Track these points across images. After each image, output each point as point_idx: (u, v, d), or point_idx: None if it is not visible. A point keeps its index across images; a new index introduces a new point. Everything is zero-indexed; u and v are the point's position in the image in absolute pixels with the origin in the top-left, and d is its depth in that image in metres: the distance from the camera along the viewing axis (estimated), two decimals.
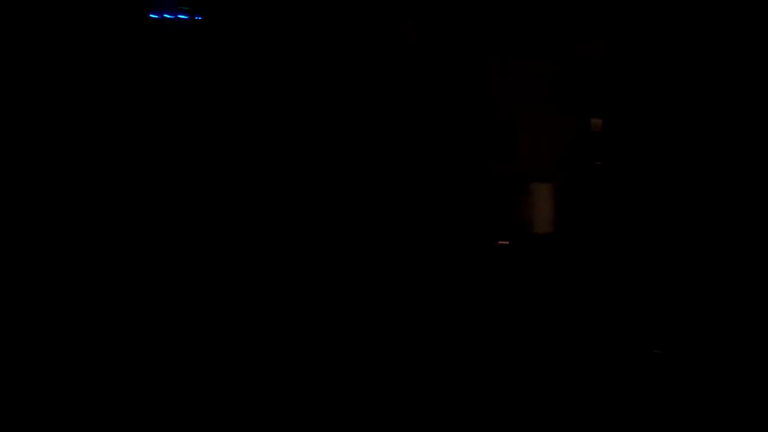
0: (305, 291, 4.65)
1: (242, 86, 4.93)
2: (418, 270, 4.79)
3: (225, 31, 4.98)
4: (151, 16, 4.97)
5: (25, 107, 4.74)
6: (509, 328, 4.67)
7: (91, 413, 3.81)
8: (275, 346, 4.39)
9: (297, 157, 4.88)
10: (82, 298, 4.45)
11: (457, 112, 4.96)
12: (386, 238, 4.82)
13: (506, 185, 4.91)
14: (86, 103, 4.80)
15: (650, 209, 4.87)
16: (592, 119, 4.96)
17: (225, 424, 3.81)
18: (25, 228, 4.60)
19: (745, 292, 4.64)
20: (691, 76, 4.91)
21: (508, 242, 4.88)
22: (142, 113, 4.84)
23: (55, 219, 4.63)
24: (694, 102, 4.89)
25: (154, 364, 4.18)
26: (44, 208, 4.64)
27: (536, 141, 4.92)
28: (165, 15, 4.98)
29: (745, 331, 4.56)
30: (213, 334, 4.38)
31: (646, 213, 4.87)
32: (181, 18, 4.99)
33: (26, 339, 4.22)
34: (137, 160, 4.79)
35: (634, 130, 4.95)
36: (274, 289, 4.62)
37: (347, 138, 4.90)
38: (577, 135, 4.97)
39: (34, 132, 4.72)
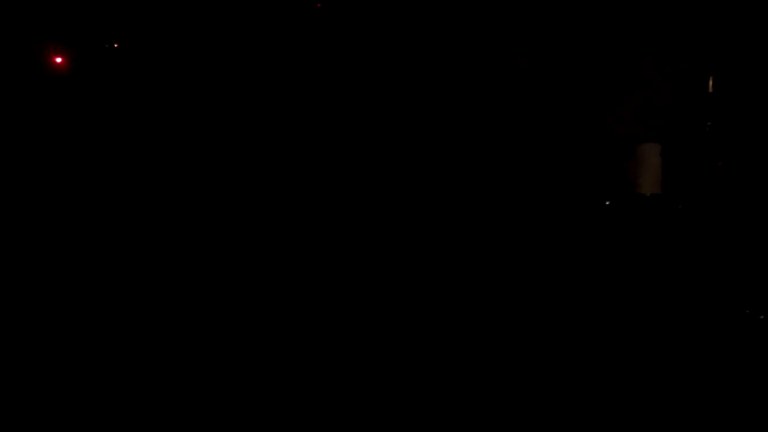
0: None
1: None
2: (524, 232, 4.78)
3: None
4: None
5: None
6: (614, 291, 4.62)
7: (91, 413, 3.80)
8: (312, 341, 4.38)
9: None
10: (82, 298, 4.49)
11: (564, 71, 4.90)
12: (493, 200, 4.82)
13: (613, 145, 4.84)
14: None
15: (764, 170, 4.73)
16: (705, 78, 4.84)
17: (225, 424, 3.78)
18: (32, 226, 4.71)
19: None
20: None
21: (614, 203, 4.82)
22: None
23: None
24: None
25: (153, 363, 4.14)
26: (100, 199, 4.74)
27: (645, 100, 4.82)
28: None
29: None
30: (228, 334, 4.35)
31: (759, 175, 4.73)
32: None
33: (26, 339, 4.23)
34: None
35: (749, 89, 4.80)
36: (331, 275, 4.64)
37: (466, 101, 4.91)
38: (688, 94, 4.85)
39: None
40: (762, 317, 4.42)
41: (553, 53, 4.89)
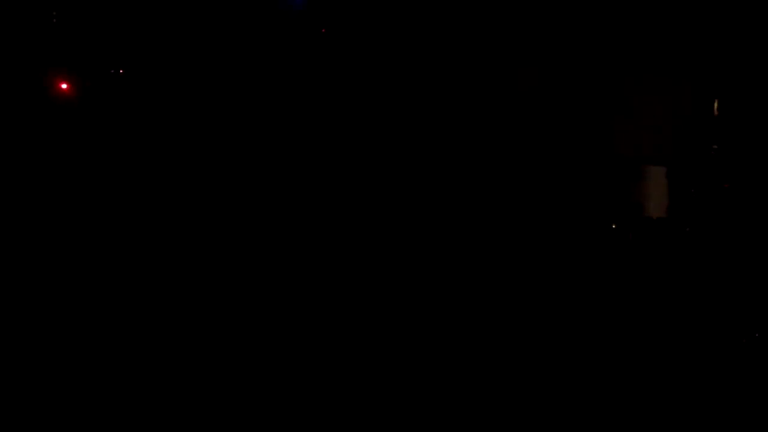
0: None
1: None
2: (532, 255, 4.78)
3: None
4: None
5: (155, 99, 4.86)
6: (623, 314, 4.62)
7: (91, 413, 3.80)
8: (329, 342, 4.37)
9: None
10: (82, 298, 4.50)
11: (571, 96, 4.91)
12: (502, 224, 4.82)
13: (619, 168, 4.85)
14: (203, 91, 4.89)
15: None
16: (710, 101, 4.85)
17: (225, 424, 3.77)
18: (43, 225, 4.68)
19: None
20: None
21: (621, 226, 4.82)
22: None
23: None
24: None
25: (153, 363, 4.18)
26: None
27: (651, 123, 4.83)
28: None
29: None
30: (234, 334, 4.39)
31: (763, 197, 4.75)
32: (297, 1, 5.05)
33: (26, 339, 4.25)
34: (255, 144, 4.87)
35: (753, 113, 4.82)
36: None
37: (472, 125, 4.90)
38: (693, 118, 4.86)
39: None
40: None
41: (558, 77, 4.90)
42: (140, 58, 4.93)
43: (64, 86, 4.87)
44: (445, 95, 4.92)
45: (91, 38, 4.88)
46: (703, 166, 4.84)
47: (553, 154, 4.89)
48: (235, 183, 4.83)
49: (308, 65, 4.96)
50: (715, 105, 4.84)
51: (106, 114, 4.91)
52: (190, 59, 4.94)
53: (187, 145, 4.87)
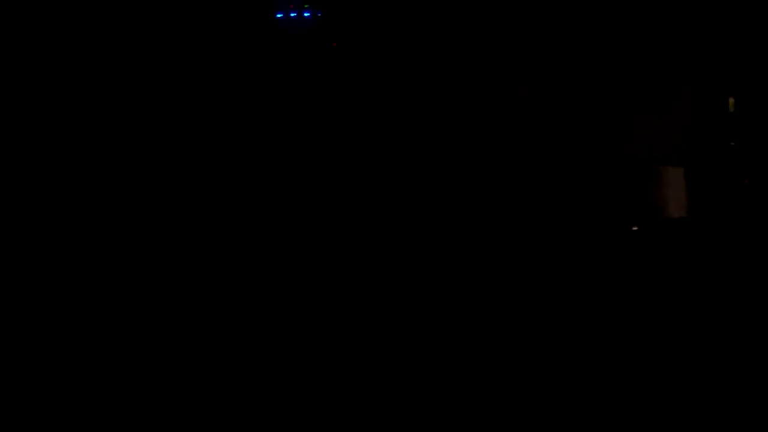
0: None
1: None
2: (549, 257, 4.74)
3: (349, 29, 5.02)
4: (278, 15, 5.06)
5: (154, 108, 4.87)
6: (644, 317, 4.57)
7: (90, 413, 3.79)
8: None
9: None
10: (82, 298, 4.49)
11: (586, 94, 4.88)
12: (517, 225, 4.79)
13: (637, 169, 4.81)
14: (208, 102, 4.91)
15: None
16: (725, 98, 4.81)
17: (225, 424, 3.76)
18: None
19: None
20: None
21: (641, 228, 4.78)
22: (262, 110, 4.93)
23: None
24: None
25: (153, 363, 4.15)
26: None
27: (668, 124, 4.79)
28: (290, 14, 5.06)
29: None
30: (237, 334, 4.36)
31: None
32: (306, 16, 5.06)
33: (26, 339, 4.24)
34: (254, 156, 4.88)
35: None
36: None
37: (487, 127, 4.89)
38: (709, 116, 4.82)
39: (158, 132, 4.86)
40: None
41: (572, 79, 4.87)
42: (146, 74, 4.96)
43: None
44: (460, 99, 4.92)
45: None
46: (722, 164, 4.80)
47: (569, 156, 4.86)
48: (237, 188, 4.86)
49: (319, 78, 4.98)
50: (731, 101, 4.80)
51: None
52: (197, 76, 4.97)
53: (192, 161, 4.90)
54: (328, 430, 3.69)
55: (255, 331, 4.35)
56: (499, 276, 4.68)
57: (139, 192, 4.83)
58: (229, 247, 4.75)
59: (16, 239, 4.65)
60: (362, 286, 4.64)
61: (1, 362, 4.06)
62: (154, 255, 4.70)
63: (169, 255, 4.71)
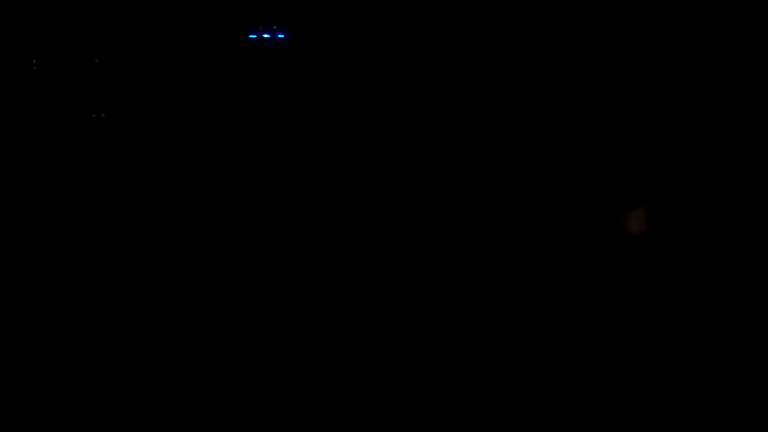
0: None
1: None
2: (546, 266, 4.75)
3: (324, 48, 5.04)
4: (250, 36, 5.06)
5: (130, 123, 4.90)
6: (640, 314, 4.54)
7: (90, 413, 3.81)
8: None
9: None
10: (82, 298, 4.52)
11: (580, 108, 4.88)
12: (513, 227, 4.80)
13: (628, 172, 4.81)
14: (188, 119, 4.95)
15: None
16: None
17: (225, 424, 3.79)
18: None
19: None
20: None
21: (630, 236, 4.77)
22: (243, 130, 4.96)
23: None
24: None
25: (153, 363, 4.16)
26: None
27: (653, 125, 4.78)
28: (263, 35, 5.06)
29: None
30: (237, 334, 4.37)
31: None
32: (279, 37, 5.06)
33: (26, 339, 4.27)
34: (234, 174, 4.90)
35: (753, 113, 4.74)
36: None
37: (485, 127, 4.90)
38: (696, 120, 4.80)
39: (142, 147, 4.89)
40: None
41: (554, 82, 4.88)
42: (131, 89, 5.01)
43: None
44: (460, 99, 4.93)
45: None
46: (707, 167, 4.77)
47: (560, 159, 4.87)
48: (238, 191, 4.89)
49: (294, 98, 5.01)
50: (713, 105, 4.78)
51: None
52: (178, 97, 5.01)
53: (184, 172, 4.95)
54: (328, 430, 3.73)
55: (255, 331, 4.37)
56: (495, 276, 4.69)
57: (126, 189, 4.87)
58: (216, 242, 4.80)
59: (16, 239, 4.71)
60: (357, 278, 4.67)
61: (1, 362, 4.10)
62: (150, 256, 4.75)
63: (165, 257, 4.75)
